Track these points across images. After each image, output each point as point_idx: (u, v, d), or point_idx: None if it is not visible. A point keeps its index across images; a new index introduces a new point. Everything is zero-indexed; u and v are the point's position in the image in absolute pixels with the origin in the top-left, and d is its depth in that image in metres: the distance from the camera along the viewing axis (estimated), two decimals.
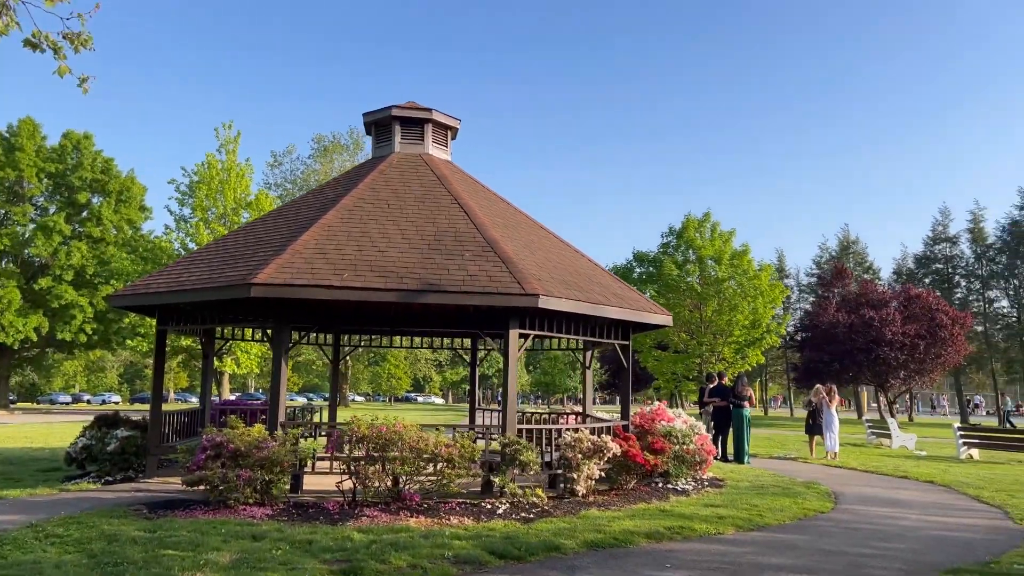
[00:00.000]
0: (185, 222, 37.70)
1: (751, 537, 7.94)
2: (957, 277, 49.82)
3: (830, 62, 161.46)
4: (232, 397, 45.59)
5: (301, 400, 69.84)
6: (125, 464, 11.13)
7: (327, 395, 73.15)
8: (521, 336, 10.02)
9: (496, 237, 10.62)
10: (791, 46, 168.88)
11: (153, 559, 6.15)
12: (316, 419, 16.02)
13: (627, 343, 11.75)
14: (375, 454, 8.78)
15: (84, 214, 44.48)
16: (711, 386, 16.35)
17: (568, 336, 10.78)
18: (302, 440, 9.83)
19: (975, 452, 18.16)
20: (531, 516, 8.50)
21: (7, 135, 41.58)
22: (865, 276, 51.71)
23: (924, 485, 12.66)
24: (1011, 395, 69.81)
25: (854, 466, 15.44)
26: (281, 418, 9.63)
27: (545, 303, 9.37)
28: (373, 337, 16.74)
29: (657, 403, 13.07)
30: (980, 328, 45.88)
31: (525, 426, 10.16)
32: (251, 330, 15.08)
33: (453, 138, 14.11)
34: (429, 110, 13.28)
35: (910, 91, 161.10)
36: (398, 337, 17.74)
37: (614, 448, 9.66)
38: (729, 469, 13.88)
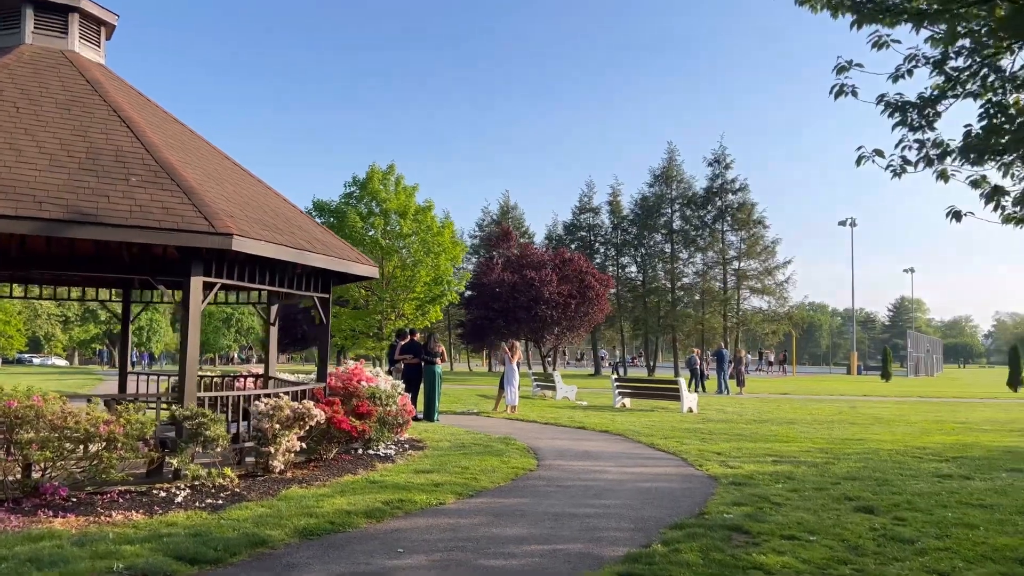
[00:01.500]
0: None
1: (474, 505, 7.39)
2: (598, 244, 55.82)
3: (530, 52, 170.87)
4: None
5: None
6: None
7: None
8: (207, 285, 8.25)
9: (173, 162, 8.59)
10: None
11: None
12: None
13: (327, 296, 10.48)
14: None
15: None
16: (403, 343, 15.73)
17: (263, 287, 9.19)
18: None
19: (627, 401, 20.12)
20: (220, 502, 7.00)
21: None
22: (523, 240, 55.54)
23: (602, 435, 13.42)
24: (631, 349, 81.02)
25: (534, 419, 16.02)
26: None
27: (240, 245, 7.75)
28: None
29: (352, 362, 12.07)
30: (613, 291, 51.91)
31: (208, 394, 8.44)
32: None
33: (108, 38, 11.31)
34: None
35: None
36: (19, 285, 14.18)
37: (319, 415, 8.43)
38: (423, 428, 13.39)
